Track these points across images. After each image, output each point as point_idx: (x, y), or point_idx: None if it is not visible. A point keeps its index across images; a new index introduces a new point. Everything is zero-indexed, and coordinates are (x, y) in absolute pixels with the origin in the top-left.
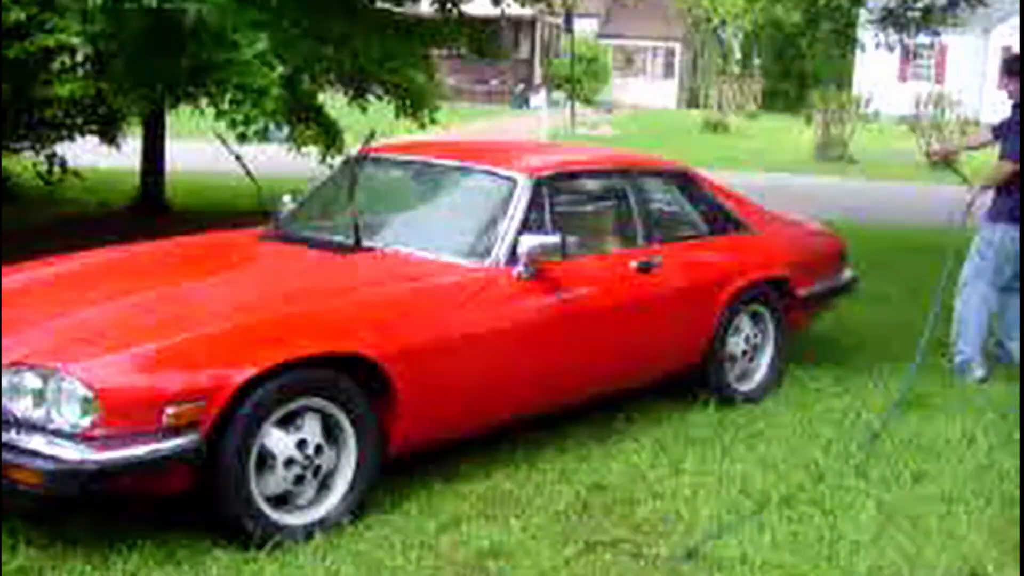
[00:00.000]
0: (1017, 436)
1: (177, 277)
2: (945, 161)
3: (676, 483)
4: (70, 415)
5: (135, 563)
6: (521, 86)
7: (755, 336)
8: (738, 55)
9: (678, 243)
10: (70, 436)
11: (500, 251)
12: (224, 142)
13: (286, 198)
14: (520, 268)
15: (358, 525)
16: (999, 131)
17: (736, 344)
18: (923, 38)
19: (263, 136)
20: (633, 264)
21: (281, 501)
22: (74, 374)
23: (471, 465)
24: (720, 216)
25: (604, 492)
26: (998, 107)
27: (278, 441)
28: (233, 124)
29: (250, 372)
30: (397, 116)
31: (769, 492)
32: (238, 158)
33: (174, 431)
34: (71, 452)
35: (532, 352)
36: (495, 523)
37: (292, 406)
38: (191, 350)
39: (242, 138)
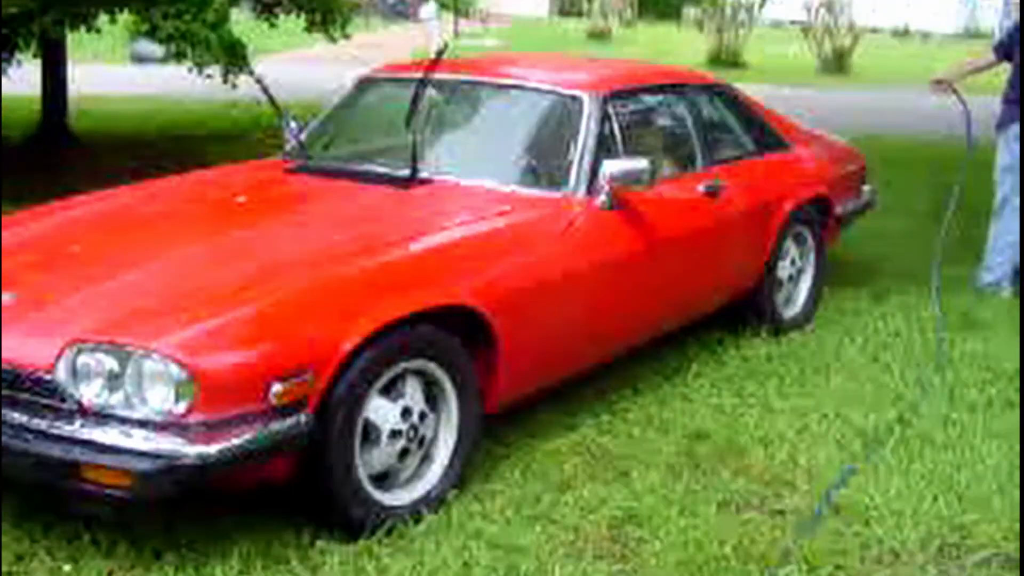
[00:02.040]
0: None
1: (221, 224)
2: (949, 89)
3: (772, 425)
4: (159, 400)
5: (237, 566)
6: None
7: (799, 258)
8: None
9: (733, 164)
10: (159, 426)
11: (578, 179)
12: (247, 63)
13: (292, 124)
14: (603, 197)
15: (463, 497)
16: (1002, 49)
17: (783, 267)
18: None
19: (205, 53)
20: (700, 188)
21: (381, 478)
22: (163, 351)
23: (548, 416)
24: (764, 133)
25: (705, 441)
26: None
27: (382, 412)
28: (168, 39)
29: (358, 336)
30: (308, 30)
31: (869, 428)
32: (259, 81)
33: (281, 411)
34: (165, 444)
35: (619, 288)
36: (611, 486)
37: (396, 370)
38: (291, 314)
39: (179, 57)
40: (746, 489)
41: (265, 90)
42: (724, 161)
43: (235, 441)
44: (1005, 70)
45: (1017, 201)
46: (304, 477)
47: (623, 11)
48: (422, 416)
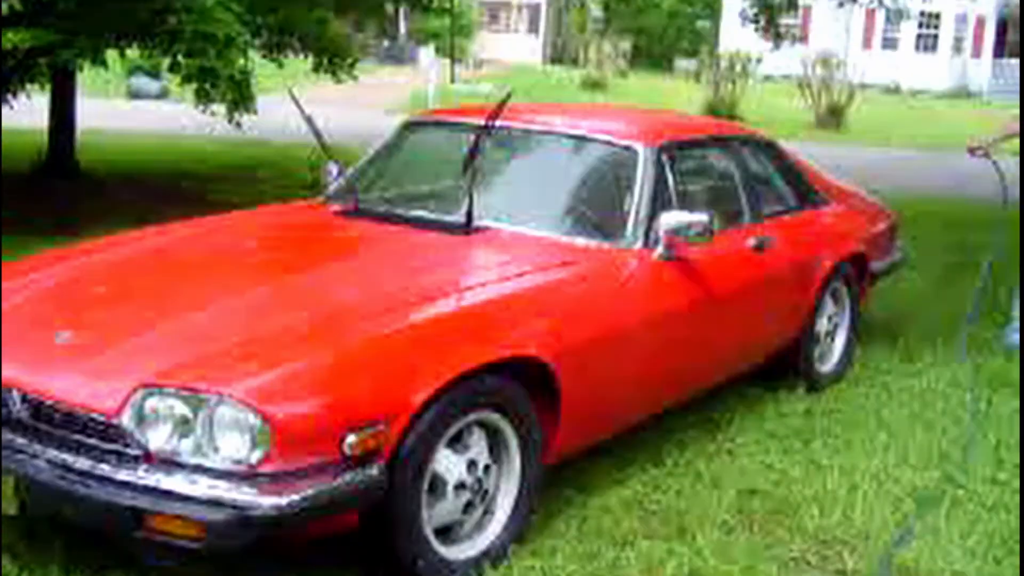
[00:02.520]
0: None
1: (279, 267)
2: (986, 155)
3: (822, 482)
4: (233, 448)
5: None
6: (387, 41)
7: (836, 314)
8: (596, 13)
9: (777, 219)
10: (232, 475)
11: (635, 230)
12: (295, 100)
13: (332, 167)
14: (661, 249)
15: (520, 552)
16: None
17: (822, 323)
18: None
19: (236, 92)
20: (751, 242)
21: (443, 532)
22: (240, 397)
23: (597, 469)
24: (804, 188)
25: (757, 498)
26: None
27: (449, 464)
28: (189, 79)
29: (431, 387)
30: (316, 70)
31: (918, 488)
32: (309, 120)
33: (355, 462)
34: (238, 494)
35: (673, 341)
36: (671, 543)
37: (464, 421)
38: (367, 363)
39: (203, 95)
40: (804, 549)
41: (315, 131)
42: (770, 216)
43: (309, 492)
44: None
45: None
46: (369, 529)
47: (616, 60)
48: (486, 468)
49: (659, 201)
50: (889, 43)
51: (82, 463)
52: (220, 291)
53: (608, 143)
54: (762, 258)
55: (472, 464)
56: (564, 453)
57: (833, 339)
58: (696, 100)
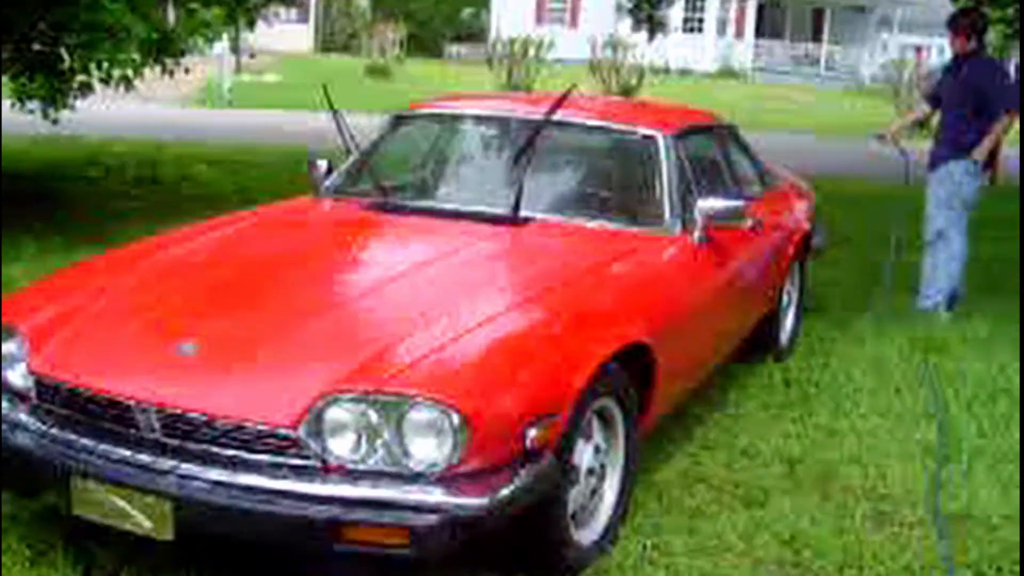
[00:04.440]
0: None
1: (364, 268)
2: (893, 141)
3: (846, 446)
4: (430, 451)
5: None
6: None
7: (789, 290)
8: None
9: (755, 200)
10: (429, 478)
11: (672, 216)
12: (327, 93)
13: (321, 164)
14: (699, 233)
15: (627, 531)
16: (933, 99)
17: (784, 297)
18: None
19: (129, 84)
20: (748, 222)
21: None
22: (436, 399)
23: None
24: (762, 170)
25: (800, 466)
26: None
27: (582, 450)
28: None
29: (584, 376)
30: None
31: (928, 443)
32: (335, 113)
33: (533, 456)
34: (440, 497)
35: (712, 314)
36: (752, 510)
37: (594, 408)
38: (539, 356)
39: (104, 83)
40: (865, 508)
41: (341, 128)
42: (751, 198)
43: (507, 489)
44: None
45: (951, 234)
46: (522, 524)
47: (394, 48)
48: (602, 452)
49: (686, 187)
50: (658, 25)
51: (254, 479)
52: (329, 293)
53: (632, 132)
54: (757, 236)
55: (597, 449)
56: (650, 429)
57: (787, 313)
58: (481, 84)
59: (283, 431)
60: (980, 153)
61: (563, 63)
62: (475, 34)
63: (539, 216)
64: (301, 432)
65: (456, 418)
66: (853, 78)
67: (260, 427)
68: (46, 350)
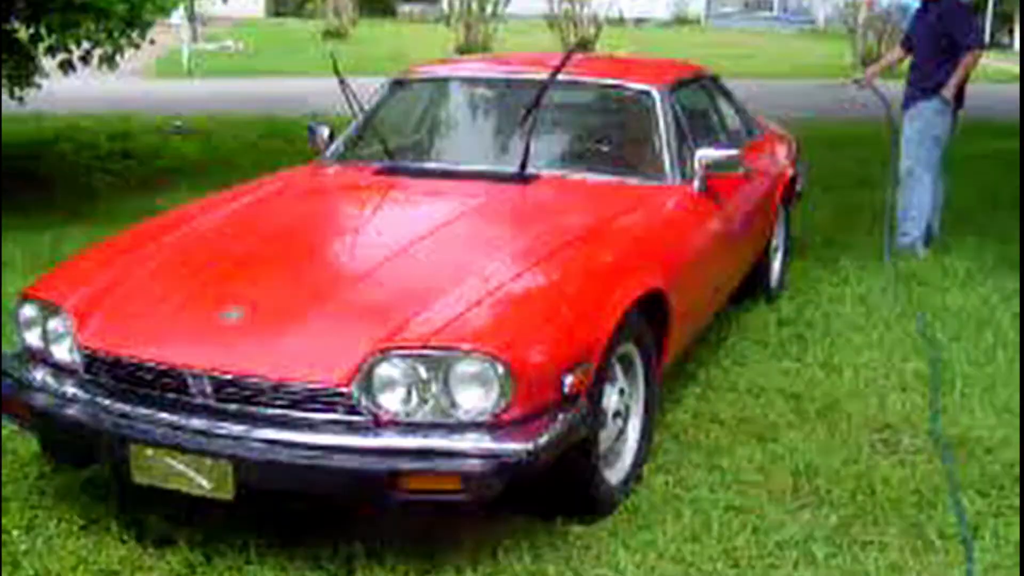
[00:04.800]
0: None
1: (392, 228)
2: (870, 86)
3: (843, 380)
4: (477, 400)
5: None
6: None
7: (776, 234)
8: None
9: (745, 148)
10: (477, 426)
11: (672, 168)
12: (336, 64)
13: (323, 129)
14: (698, 182)
15: (651, 469)
16: (906, 43)
17: (773, 241)
18: None
19: (112, 62)
20: (740, 170)
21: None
22: (486, 351)
23: None
24: (746, 118)
25: (803, 401)
26: None
27: (609, 394)
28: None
29: (611, 323)
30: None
31: (922, 373)
32: (342, 81)
33: (570, 402)
34: (491, 444)
35: (715, 257)
36: (766, 443)
37: (618, 353)
38: (571, 305)
39: (82, 61)
40: (869, 438)
41: (348, 96)
42: (740, 146)
43: (548, 435)
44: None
45: (920, 171)
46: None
47: (347, 9)
48: (624, 394)
49: (682, 138)
50: None
51: (308, 437)
52: (360, 256)
53: (627, 87)
54: (749, 183)
55: (621, 392)
56: (663, 370)
57: (775, 255)
58: (438, 43)
59: (335, 388)
60: (949, 91)
61: (518, 18)
62: None
63: (544, 173)
64: (353, 388)
65: (502, 368)
66: (808, 20)
67: (312, 386)
68: (93, 325)
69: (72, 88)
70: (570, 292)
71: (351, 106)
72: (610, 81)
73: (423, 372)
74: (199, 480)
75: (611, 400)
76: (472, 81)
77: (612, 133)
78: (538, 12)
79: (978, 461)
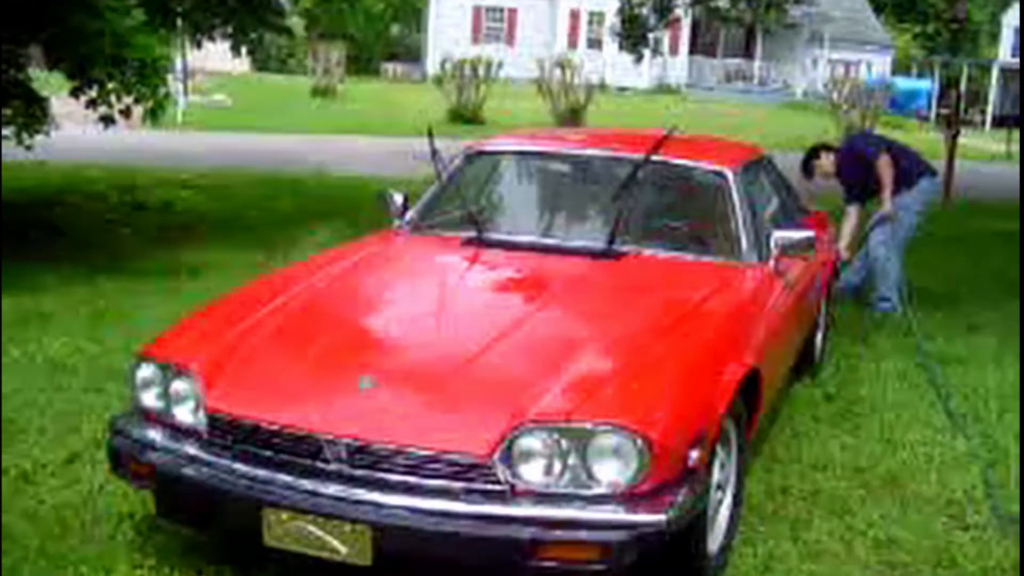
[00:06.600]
0: None
1: (504, 302)
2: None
3: (904, 455)
4: (615, 473)
5: None
6: None
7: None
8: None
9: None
10: (614, 498)
11: (749, 248)
12: (431, 136)
13: (397, 197)
14: (772, 263)
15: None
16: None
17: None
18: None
19: (155, 117)
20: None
21: None
22: (628, 426)
23: None
24: (796, 199)
25: (868, 474)
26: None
27: (715, 466)
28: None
29: (725, 399)
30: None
31: (974, 450)
32: (435, 153)
33: (693, 476)
34: (629, 516)
35: (787, 338)
36: (843, 519)
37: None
38: (694, 383)
39: (123, 115)
40: (935, 510)
41: (437, 164)
42: (798, 224)
43: (678, 507)
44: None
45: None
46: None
47: (335, 67)
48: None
49: (755, 218)
50: (593, 43)
51: (447, 505)
52: (479, 328)
53: (700, 168)
54: (809, 263)
55: (721, 465)
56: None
57: (817, 332)
58: (427, 103)
59: (476, 460)
60: (887, 201)
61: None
62: (410, 51)
63: (629, 249)
64: (495, 459)
65: (641, 442)
66: (785, 93)
67: (453, 456)
68: (220, 388)
69: (67, 137)
70: (691, 369)
71: (439, 176)
72: (686, 162)
73: (564, 445)
74: (335, 545)
75: (715, 472)
76: (556, 157)
77: (690, 212)
78: (527, 77)
79: None
